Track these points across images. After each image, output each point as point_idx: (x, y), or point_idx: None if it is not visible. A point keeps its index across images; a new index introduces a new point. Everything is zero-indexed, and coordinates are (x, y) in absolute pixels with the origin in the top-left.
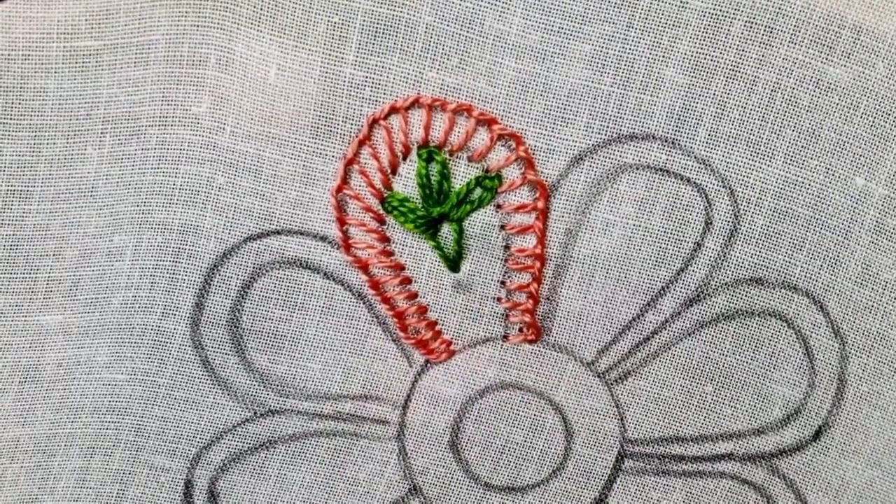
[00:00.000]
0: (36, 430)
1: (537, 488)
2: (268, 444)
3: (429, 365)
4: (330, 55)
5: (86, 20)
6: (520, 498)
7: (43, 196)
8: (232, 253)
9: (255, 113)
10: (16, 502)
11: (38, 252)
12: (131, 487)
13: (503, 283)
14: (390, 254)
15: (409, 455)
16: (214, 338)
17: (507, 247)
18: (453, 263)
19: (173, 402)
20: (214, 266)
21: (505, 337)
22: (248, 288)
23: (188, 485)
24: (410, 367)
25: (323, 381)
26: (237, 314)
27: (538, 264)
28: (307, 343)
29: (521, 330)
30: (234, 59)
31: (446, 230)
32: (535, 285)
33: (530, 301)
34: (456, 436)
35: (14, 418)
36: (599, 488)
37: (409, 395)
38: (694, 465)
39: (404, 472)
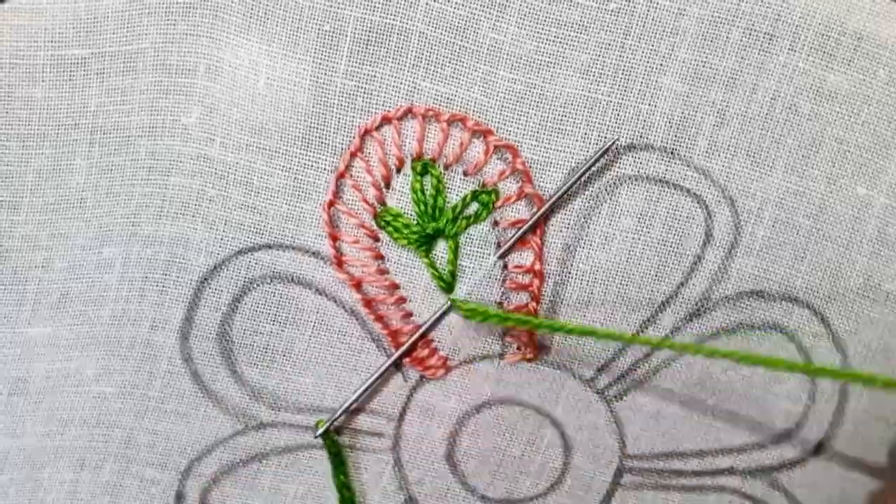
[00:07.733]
0: (25, 443)
1: (535, 501)
2: (260, 457)
3: (424, 380)
4: (320, 64)
5: (73, 28)
6: None
7: (31, 207)
8: (222, 266)
9: (244, 123)
10: None
11: (26, 264)
12: (121, 500)
13: (500, 304)
14: (384, 272)
15: (404, 466)
16: (204, 351)
17: (504, 265)
18: (447, 285)
19: (163, 415)
20: (205, 279)
21: (501, 356)
22: (239, 302)
23: (179, 497)
24: (405, 381)
25: (315, 395)
26: (227, 328)
27: (537, 282)
28: (299, 357)
29: (518, 348)
30: (223, 69)
31: (442, 246)
32: (534, 304)
33: None
34: (452, 448)
35: (2, 430)
36: (598, 502)
37: (403, 409)
38: (694, 480)
39: (400, 482)
